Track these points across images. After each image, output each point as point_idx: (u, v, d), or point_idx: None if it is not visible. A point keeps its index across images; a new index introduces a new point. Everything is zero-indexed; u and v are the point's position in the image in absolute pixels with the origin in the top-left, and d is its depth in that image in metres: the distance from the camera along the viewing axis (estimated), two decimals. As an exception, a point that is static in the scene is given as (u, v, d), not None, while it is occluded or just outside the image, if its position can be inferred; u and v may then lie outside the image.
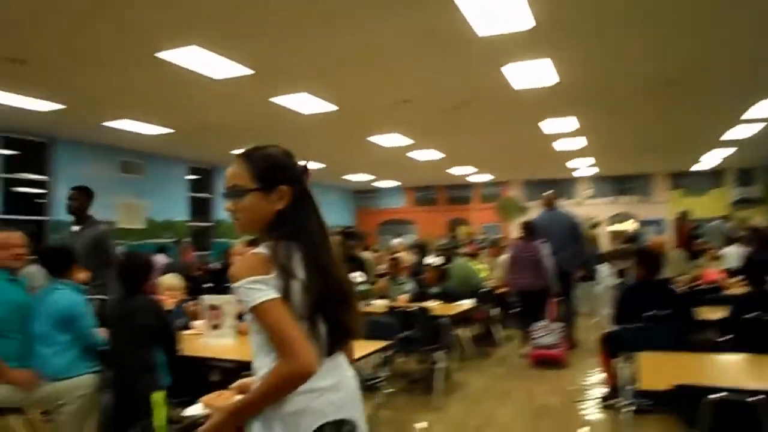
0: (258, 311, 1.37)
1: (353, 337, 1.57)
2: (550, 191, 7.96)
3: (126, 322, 3.14)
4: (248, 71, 7.03)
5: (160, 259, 10.24)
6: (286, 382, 1.35)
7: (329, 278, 1.48)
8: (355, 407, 1.52)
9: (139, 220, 12.66)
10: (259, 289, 1.36)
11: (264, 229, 1.52)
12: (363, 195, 22.32)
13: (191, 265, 9.79)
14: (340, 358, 1.53)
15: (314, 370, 1.36)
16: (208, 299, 3.56)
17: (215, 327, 3.49)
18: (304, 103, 8.66)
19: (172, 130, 10.54)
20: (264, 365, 1.42)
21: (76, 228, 4.60)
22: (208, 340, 3.54)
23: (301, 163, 1.58)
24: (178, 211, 13.80)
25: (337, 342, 1.50)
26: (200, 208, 14.67)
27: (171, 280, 4.47)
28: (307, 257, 1.46)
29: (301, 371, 1.34)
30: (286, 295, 1.39)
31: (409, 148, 12.98)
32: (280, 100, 8.44)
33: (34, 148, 10.95)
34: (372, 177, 18.76)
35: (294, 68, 7.17)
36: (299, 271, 1.43)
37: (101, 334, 3.34)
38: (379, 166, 16.19)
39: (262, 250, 1.44)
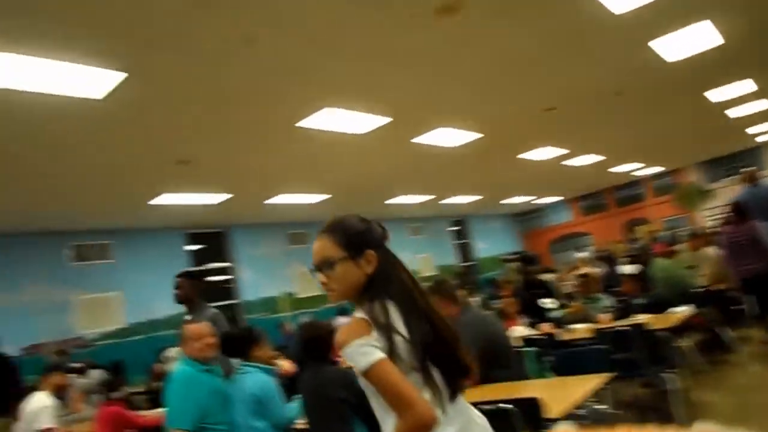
0: (369, 375, 1.40)
1: (468, 375, 1.56)
2: (753, 167, 6.89)
3: (318, 396, 2.96)
4: (386, 119, 6.95)
5: (342, 321, 10.38)
6: None
7: (432, 324, 1.51)
8: None
9: (316, 286, 13.07)
10: (366, 353, 1.39)
11: (357, 294, 1.55)
12: (526, 217, 21.43)
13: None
14: (462, 401, 1.53)
15: (435, 417, 1.38)
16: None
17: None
18: (447, 136, 8.41)
19: (328, 195, 10.84)
20: (390, 425, 1.42)
21: (188, 317, 4.40)
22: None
23: (379, 226, 1.63)
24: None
25: (454, 385, 1.51)
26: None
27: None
28: (405, 310, 1.49)
29: (423, 421, 1.35)
30: (390, 351, 1.41)
31: (564, 157, 12.15)
32: (423, 139, 8.27)
33: (214, 238, 11.86)
34: (531, 197, 17.94)
35: (430, 106, 6.98)
36: (399, 326, 1.46)
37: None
38: (537, 184, 15.41)
39: (360, 314, 1.49)
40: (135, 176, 7.40)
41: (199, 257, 11.51)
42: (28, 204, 7.80)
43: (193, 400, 2.93)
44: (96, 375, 7.02)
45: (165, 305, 10.16)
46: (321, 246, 1.59)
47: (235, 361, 3.50)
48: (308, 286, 12.90)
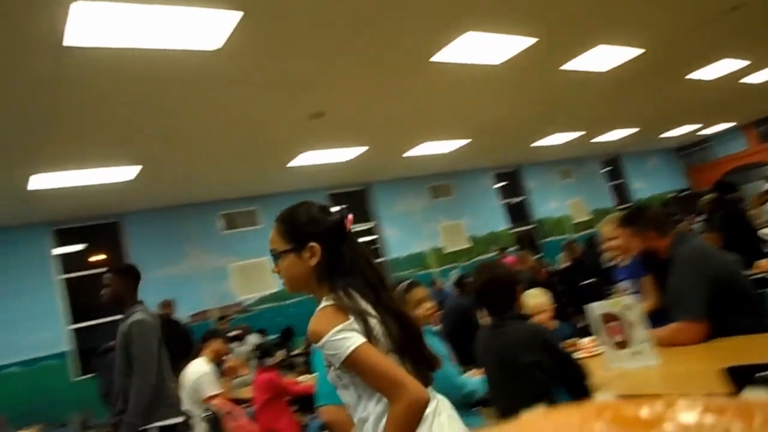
0: (353, 359, 1.35)
1: (435, 368, 1.52)
2: None
3: (503, 360, 2.29)
4: (531, 40, 6.02)
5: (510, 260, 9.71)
6: (413, 416, 1.33)
7: (398, 314, 1.49)
8: (459, 427, 1.51)
9: (462, 239, 12.51)
10: (347, 338, 1.36)
11: (312, 286, 1.52)
12: (689, 150, 18.97)
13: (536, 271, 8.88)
14: (431, 391, 1.49)
15: (428, 397, 1.37)
16: (598, 308, 2.51)
17: (620, 345, 2.42)
18: (602, 57, 7.23)
19: (469, 140, 10.10)
20: (372, 412, 1.40)
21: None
22: (619, 364, 2.40)
23: (336, 210, 1.57)
24: (497, 221, 13.32)
25: (422, 375, 1.46)
26: (517, 213, 13.99)
27: (538, 296, 3.35)
28: (370, 300, 1.47)
29: (419, 401, 1.34)
30: (368, 335, 1.38)
31: (744, 72, 10.23)
32: (573, 64, 7.19)
33: (355, 197, 11.67)
34: (697, 125, 15.73)
35: (586, 19, 5.92)
36: (370, 310, 1.44)
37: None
38: (707, 108, 13.35)
39: (327, 302, 1.44)
40: (271, 137, 7.23)
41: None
42: (182, 175, 7.99)
43: None
44: (253, 340, 7.06)
45: (314, 267, 10.17)
46: (271, 237, 1.58)
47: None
48: (455, 240, 12.35)
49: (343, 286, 1.46)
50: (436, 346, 2.60)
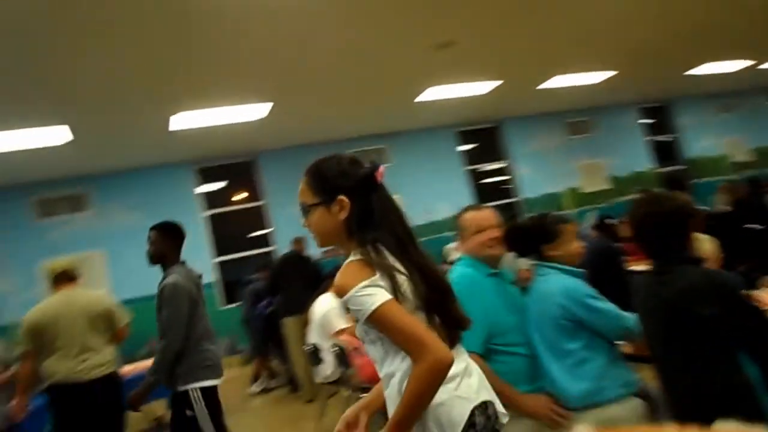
0: (377, 316, 1.33)
1: (464, 327, 1.50)
2: None
3: (673, 312, 1.86)
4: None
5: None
6: (434, 377, 1.31)
7: (427, 272, 1.46)
8: (487, 389, 1.49)
9: (602, 180, 11.63)
10: (372, 294, 1.33)
11: (342, 240, 1.49)
12: None
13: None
14: (458, 347, 1.49)
15: (452, 358, 1.33)
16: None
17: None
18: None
19: (613, 72, 9.16)
20: (398, 369, 1.39)
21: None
22: None
23: (368, 165, 1.53)
24: (640, 161, 12.19)
25: (452, 333, 1.46)
26: (665, 152, 12.70)
27: (703, 242, 2.84)
28: (399, 257, 1.43)
29: (442, 362, 1.30)
30: (395, 291, 1.36)
31: None
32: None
33: (486, 134, 11.19)
34: None
35: None
36: (399, 267, 1.41)
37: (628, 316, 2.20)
38: None
39: (355, 257, 1.42)
40: (398, 69, 6.95)
41: (472, 156, 11.00)
42: (311, 113, 8.02)
43: (479, 312, 2.17)
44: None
45: (443, 206, 9.99)
46: (300, 190, 1.56)
47: (526, 261, 2.68)
48: (594, 180, 11.52)
49: (372, 241, 1.43)
50: (581, 290, 2.28)
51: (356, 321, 1.42)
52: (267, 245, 9.45)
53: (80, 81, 5.36)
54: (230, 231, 9.50)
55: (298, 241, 6.89)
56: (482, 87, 8.37)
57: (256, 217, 9.52)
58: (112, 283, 8.10)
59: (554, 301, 2.25)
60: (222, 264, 9.20)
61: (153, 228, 3.35)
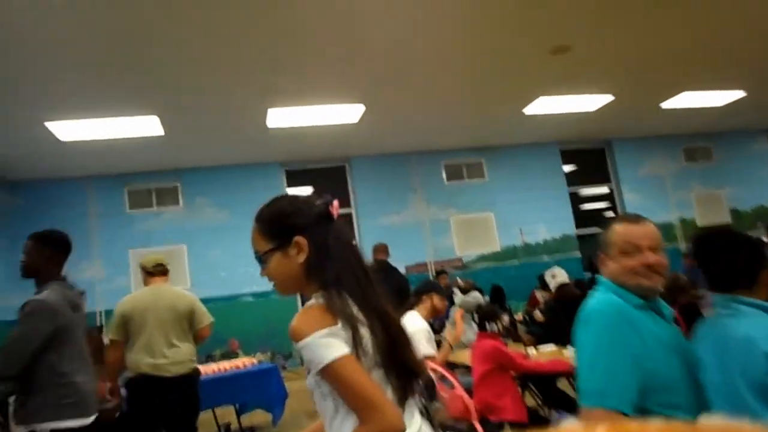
0: (330, 371, 1.23)
1: (419, 377, 1.40)
2: None
3: None
4: None
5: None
6: None
7: (385, 317, 1.35)
8: None
9: (721, 212, 10.47)
10: (329, 346, 1.23)
11: (302, 284, 1.40)
12: None
13: None
14: (413, 404, 1.37)
15: (403, 425, 1.24)
16: None
17: None
18: None
19: (742, 93, 8.18)
20: (349, 429, 1.26)
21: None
22: None
23: (320, 201, 1.42)
24: (767, 194, 10.91)
25: (407, 386, 1.35)
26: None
27: None
28: (359, 300, 1.33)
29: (391, 428, 1.21)
30: (356, 345, 1.26)
31: None
32: None
33: (592, 155, 10.37)
34: None
35: None
36: (361, 317, 1.31)
37: None
38: None
39: (316, 301, 1.33)
40: (509, 75, 6.42)
41: (574, 177, 10.21)
42: (405, 120, 7.65)
43: (629, 356, 1.59)
44: (476, 297, 6.49)
45: (541, 228, 9.32)
46: (252, 238, 1.44)
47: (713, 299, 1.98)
48: (711, 212, 10.39)
49: (335, 284, 1.33)
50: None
51: (306, 367, 1.32)
52: (352, 255, 9.10)
53: (173, 70, 5.25)
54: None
55: (382, 249, 6.21)
56: (592, 102, 7.68)
57: (342, 226, 9.21)
58: (191, 280, 8.02)
59: (759, 350, 1.59)
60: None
61: (30, 237, 2.86)
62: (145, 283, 3.82)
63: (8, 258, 7.64)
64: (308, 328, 1.26)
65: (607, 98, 7.58)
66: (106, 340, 3.82)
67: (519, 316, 7.52)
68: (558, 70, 6.30)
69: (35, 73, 4.99)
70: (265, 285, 1.50)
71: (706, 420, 0.46)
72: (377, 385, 1.27)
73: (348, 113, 6.93)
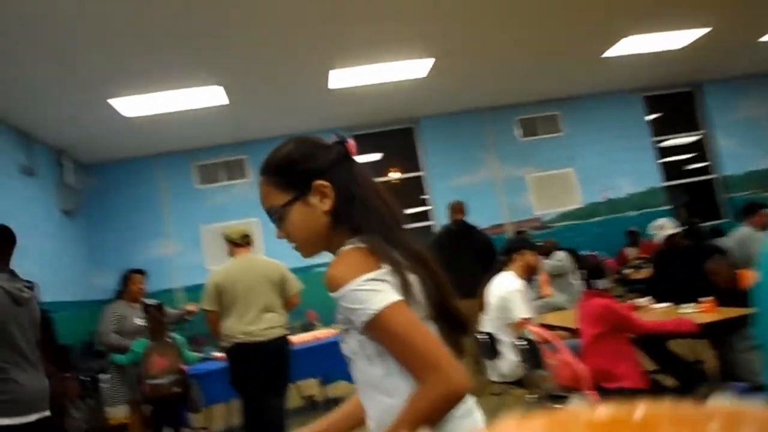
0: (381, 320, 1.02)
1: (468, 332, 1.27)
2: None
3: None
4: None
5: None
6: (442, 406, 1.02)
7: (428, 264, 1.15)
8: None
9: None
10: (378, 290, 1.02)
11: (329, 240, 1.18)
12: None
13: None
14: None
15: (468, 383, 1.04)
16: None
17: None
18: None
19: None
20: (398, 395, 1.05)
21: None
22: None
23: (335, 139, 1.23)
24: None
25: (458, 341, 1.14)
26: None
27: None
28: (397, 245, 1.12)
29: (457, 391, 1.02)
30: (406, 291, 1.05)
31: None
32: None
33: (678, 101, 9.54)
34: None
35: None
36: (404, 262, 1.10)
37: None
38: None
39: (357, 244, 1.10)
40: (589, 11, 5.81)
41: (660, 126, 9.42)
42: (476, 73, 7.17)
43: None
44: (561, 257, 6.04)
45: (624, 183, 8.72)
46: (262, 195, 1.23)
47: None
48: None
49: (370, 228, 1.12)
50: None
51: (344, 327, 1.11)
52: (425, 220, 8.74)
53: (235, 35, 5.03)
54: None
55: (458, 208, 5.63)
56: (682, 38, 6.91)
57: (412, 190, 8.85)
58: (265, 253, 7.91)
59: None
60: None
61: None
62: (231, 255, 3.89)
63: (87, 239, 7.78)
64: (349, 272, 1.05)
65: (700, 32, 6.81)
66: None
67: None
68: (649, 2, 5.65)
69: (96, 49, 4.87)
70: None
71: (714, 401, 0.36)
72: (437, 339, 1.07)
73: (415, 69, 6.53)
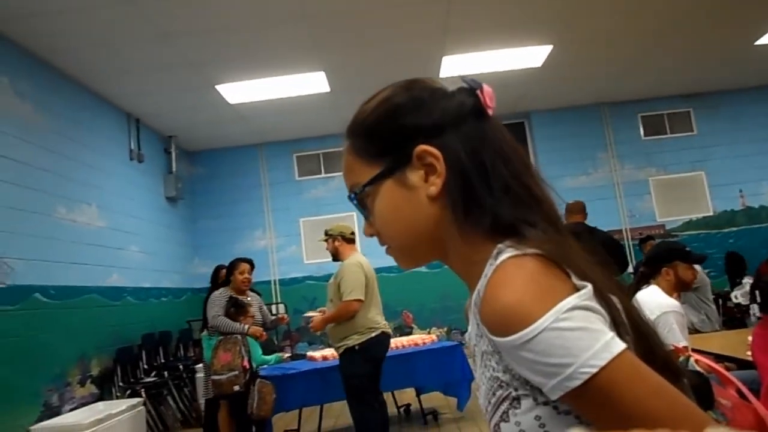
0: (608, 380, 0.55)
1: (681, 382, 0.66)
2: None
3: None
4: None
5: None
6: None
7: (616, 282, 0.69)
8: None
9: None
10: (592, 329, 0.57)
11: (438, 242, 0.74)
12: None
13: None
14: None
15: None
16: None
17: None
18: None
19: None
20: None
21: None
22: None
23: (463, 84, 0.75)
24: None
25: None
26: None
27: None
28: (575, 253, 0.67)
29: None
30: (616, 328, 0.61)
31: None
32: None
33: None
34: None
35: None
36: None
37: None
38: None
39: (524, 249, 0.63)
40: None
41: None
42: (597, 62, 6.50)
43: None
44: (697, 267, 5.27)
45: (766, 188, 7.70)
46: (344, 167, 0.78)
47: None
48: None
49: (525, 223, 0.67)
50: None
51: (503, 392, 0.64)
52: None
53: (340, 18, 4.74)
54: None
55: (578, 209, 4.80)
56: None
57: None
58: (361, 249, 7.64)
59: None
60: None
61: None
62: (344, 250, 3.93)
63: (190, 226, 7.83)
64: (537, 300, 0.59)
65: None
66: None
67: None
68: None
69: (205, 34, 4.76)
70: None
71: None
72: (682, 395, 0.61)
73: (531, 57, 6.00)
